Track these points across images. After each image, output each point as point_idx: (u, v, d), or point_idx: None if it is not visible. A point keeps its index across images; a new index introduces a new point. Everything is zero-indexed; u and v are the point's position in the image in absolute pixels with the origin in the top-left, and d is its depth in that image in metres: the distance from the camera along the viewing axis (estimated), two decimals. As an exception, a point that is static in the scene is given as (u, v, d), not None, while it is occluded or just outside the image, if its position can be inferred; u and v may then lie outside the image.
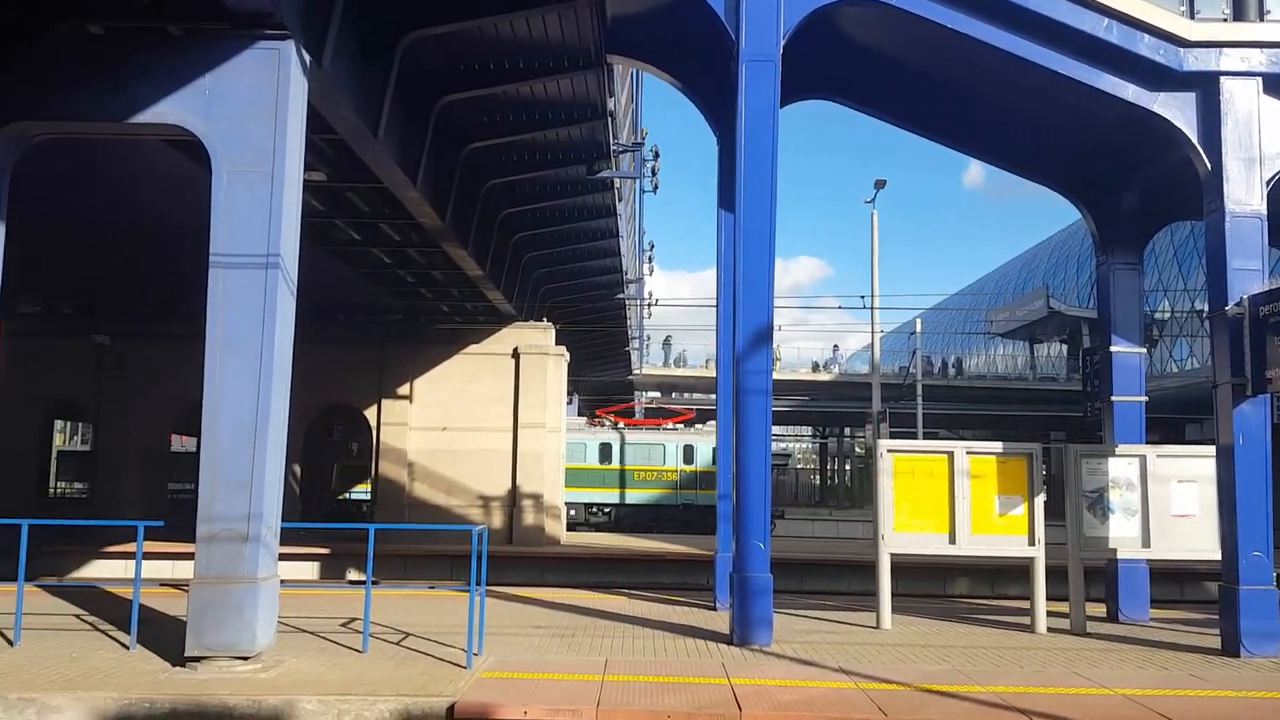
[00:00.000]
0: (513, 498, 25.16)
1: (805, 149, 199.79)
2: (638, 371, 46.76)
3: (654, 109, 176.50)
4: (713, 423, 35.71)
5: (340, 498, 33.00)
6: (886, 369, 39.19)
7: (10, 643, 9.51)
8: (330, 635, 10.27)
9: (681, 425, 35.24)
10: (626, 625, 11.50)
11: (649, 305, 36.22)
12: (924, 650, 10.37)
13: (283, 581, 9.37)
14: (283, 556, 9.34)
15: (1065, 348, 53.83)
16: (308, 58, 9.48)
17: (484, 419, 25.26)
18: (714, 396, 54.15)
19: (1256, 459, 10.32)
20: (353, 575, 21.32)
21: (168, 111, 9.07)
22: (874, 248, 29.29)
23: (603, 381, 46.64)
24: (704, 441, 32.52)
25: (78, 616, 11.23)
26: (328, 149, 14.22)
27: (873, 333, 29.31)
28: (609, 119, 15.30)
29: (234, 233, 9.01)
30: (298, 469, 26.01)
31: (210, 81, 9.05)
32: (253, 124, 9.03)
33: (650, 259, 35.24)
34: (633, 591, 14.98)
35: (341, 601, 12.74)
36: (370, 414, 25.78)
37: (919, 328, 38.38)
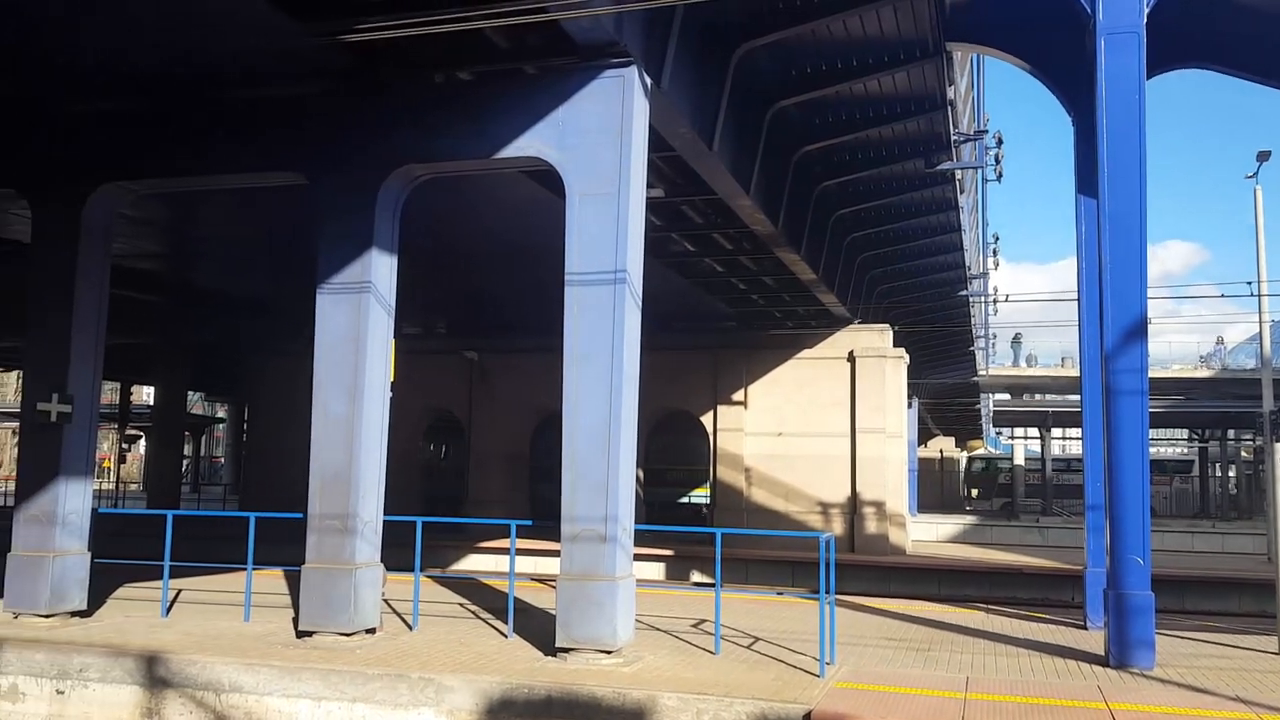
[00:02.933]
0: (853, 504, 24.76)
1: (1173, 122, 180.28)
2: (983, 372, 44.38)
3: (997, 91, 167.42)
4: None
5: (679, 501, 34.13)
6: (1277, 363, 34.39)
7: (410, 627, 10.70)
8: (682, 635, 10.61)
9: None
10: (985, 641, 10.90)
11: (994, 301, 34.19)
12: (1343, 684, 8.95)
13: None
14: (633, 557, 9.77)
15: None
16: (648, 80, 9.90)
17: (820, 424, 25.09)
18: (1070, 398, 50.28)
19: None
20: (696, 577, 21.94)
21: (527, 145, 9.83)
22: (1258, 227, 25.71)
23: (944, 384, 44.77)
24: None
25: (461, 605, 12.43)
26: (664, 166, 14.79)
27: (1260, 323, 25.73)
28: (948, 109, 14.66)
29: (585, 252, 9.58)
30: (640, 473, 27.21)
31: (562, 113, 9.69)
32: (601, 149, 9.56)
33: (995, 252, 33.26)
34: (988, 606, 14.18)
35: (688, 602, 13.14)
36: (706, 420, 26.42)
37: (1317, 314, 33.34)
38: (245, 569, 11.35)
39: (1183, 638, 11.21)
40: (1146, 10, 9.69)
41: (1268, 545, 11.35)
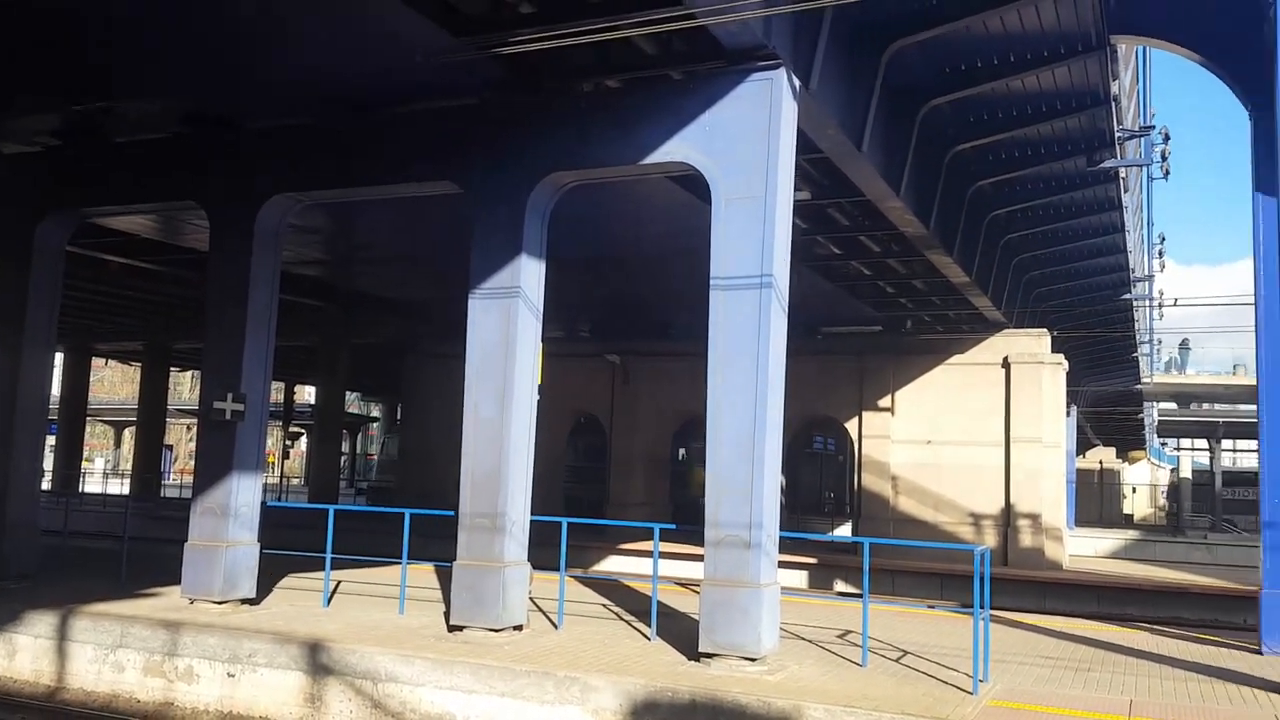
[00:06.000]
0: (1006, 516, 23.84)
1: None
2: (1147, 380, 42.06)
3: (1164, 85, 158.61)
4: None
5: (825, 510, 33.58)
6: None
7: (555, 625, 10.89)
8: (827, 645, 10.44)
9: None
10: (1149, 663, 10.33)
11: (1160, 305, 32.37)
12: None
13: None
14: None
15: None
16: (796, 82, 9.80)
17: (972, 432, 24.24)
18: (1242, 408, 47.09)
19: None
20: (840, 586, 21.54)
21: (673, 150, 9.88)
22: None
23: (1105, 392, 42.67)
24: None
25: (604, 606, 12.58)
26: (811, 168, 14.61)
27: None
28: (1112, 104, 13.96)
29: (731, 257, 9.56)
30: (783, 480, 26.86)
31: (709, 117, 9.70)
32: (748, 153, 9.52)
33: (1161, 254, 31.46)
34: (1151, 626, 13.45)
35: (832, 612, 12.94)
36: (851, 426, 25.92)
37: None
38: (399, 563, 11.78)
39: (1377, 670, 10.35)
40: (1337, -7, 9.02)
41: None
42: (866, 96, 12.00)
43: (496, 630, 10.06)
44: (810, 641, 10.58)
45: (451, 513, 10.72)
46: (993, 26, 11.79)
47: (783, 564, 21.74)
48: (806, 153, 12.12)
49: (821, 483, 31.42)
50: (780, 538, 9.84)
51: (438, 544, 12.00)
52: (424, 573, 14.16)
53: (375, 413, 63.13)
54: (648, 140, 10.03)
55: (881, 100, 12.22)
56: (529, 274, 10.54)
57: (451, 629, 10.28)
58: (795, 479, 28.06)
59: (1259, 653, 10.91)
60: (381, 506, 27.01)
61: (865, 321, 25.43)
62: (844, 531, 25.84)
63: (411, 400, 31.53)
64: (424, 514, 12.06)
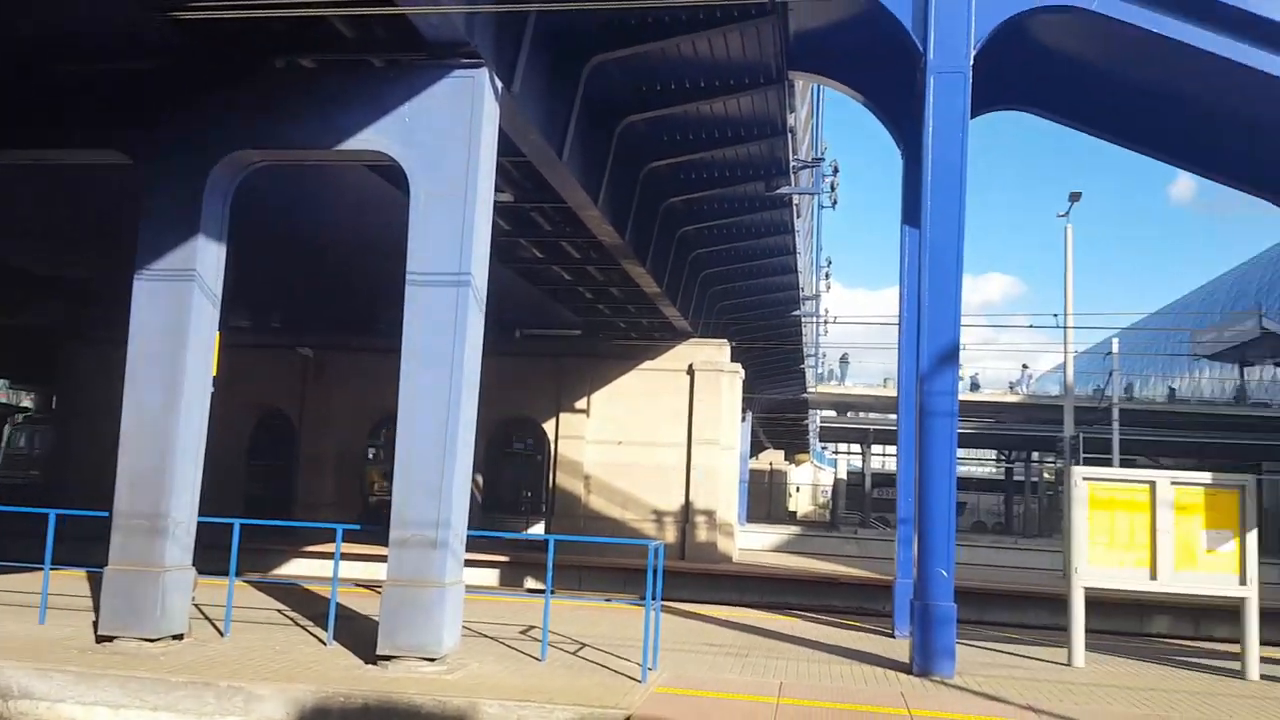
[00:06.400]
0: (686, 513, 25.24)
1: (998, 160, 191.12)
2: (812, 389, 46.11)
3: (836, 122, 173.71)
4: None
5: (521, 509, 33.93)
6: (1080, 391, 37.06)
7: (221, 634, 10.24)
8: (509, 641, 10.57)
9: None
10: (801, 648, 11.32)
11: (825, 322, 35.65)
12: (1120, 692, 9.73)
13: (465, 587, 9.70)
14: (466, 563, 9.68)
15: (1280, 372, 49.63)
16: (499, 84, 9.86)
17: (659, 434, 25.47)
18: (890, 417, 52.67)
19: None
20: (530, 584, 21.88)
21: (372, 139, 9.61)
22: (1067, 263, 27.88)
23: (776, 399, 46.26)
24: None
25: (280, 611, 11.99)
26: (514, 171, 14.76)
27: (1065, 352, 27.88)
28: (789, 135, 15.20)
29: (429, 252, 9.44)
30: (479, 478, 26.90)
31: (410, 109, 9.53)
32: (448, 149, 9.44)
33: (827, 275, 34.71)
34: (807, 614, 14.75)
35: (520, 609, 13.11)
36: (548, 427, 26.42)
37: (1115, 348, 36.13)
38: (43, 569, 10.62)
39: (982, 648, 11.95)
40: (973, 53, 10.31)
41: (1063, 562, 12.11)
42: (568, 106, 12.30)
43: (153, 640, 9.30)
44: (493, 639, 10.66)
45: (108, 514, 9.81)
46: (686, 51, 12.47)
47: (476, 563, 21.73)
48: (510, 155, 12.22)
49: (520, 482, 31.75)
50: (473, 536, 9.85)
51: (101, 548, 10.92)
52: (76, 580, 12.83)
53: (27, 403, 56.34)
54: (344, 126, 9.68)
55: (582, 111, 12.56)
56: (207, 256, 9.86)
57: (100, 639, 9.39)
58: (494, 478, 28.16)
59: (892, 636, 12.27)
60: (9, 506, 24.14)
61: (566, 325, 26.02)
62: (539, 530, 26.26)
63: (73, 390, 28.42)
64: (75, 515, 10.93)
